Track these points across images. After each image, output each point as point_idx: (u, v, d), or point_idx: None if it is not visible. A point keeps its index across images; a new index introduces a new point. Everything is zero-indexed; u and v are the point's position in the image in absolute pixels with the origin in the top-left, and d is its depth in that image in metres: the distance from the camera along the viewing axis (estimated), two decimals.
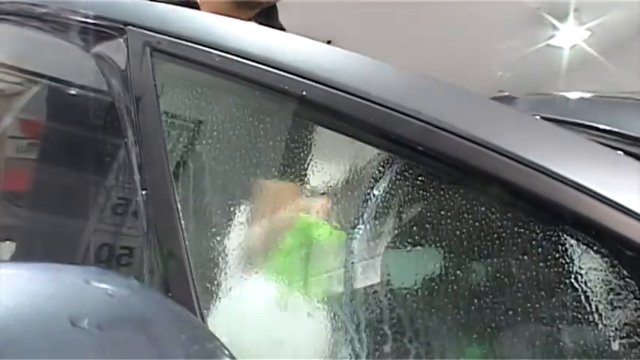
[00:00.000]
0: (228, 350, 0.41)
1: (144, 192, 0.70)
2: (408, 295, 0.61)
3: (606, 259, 0.56)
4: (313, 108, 0.66)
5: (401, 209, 0.64)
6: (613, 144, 0.84)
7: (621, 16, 4.82)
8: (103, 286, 0.41)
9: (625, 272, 0.56)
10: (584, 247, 0.56)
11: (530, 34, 5.09)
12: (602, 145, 0.64)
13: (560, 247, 0.58)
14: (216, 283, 0.65)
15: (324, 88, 0.65)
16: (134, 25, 0.84)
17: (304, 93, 0.66)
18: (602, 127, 0.93)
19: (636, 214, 0.54)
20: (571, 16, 4.87)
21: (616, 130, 0.90)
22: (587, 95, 1.23)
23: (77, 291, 0.40)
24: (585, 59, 5.25)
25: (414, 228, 0.64)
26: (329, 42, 4.90)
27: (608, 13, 4.78)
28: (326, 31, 4.71)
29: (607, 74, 4.94)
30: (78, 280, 0.41)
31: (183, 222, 0.67)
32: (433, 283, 0.60)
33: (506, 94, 1.38)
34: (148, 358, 0.37)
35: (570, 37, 5.10)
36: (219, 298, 0.64)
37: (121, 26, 0.85)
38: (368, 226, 0.64)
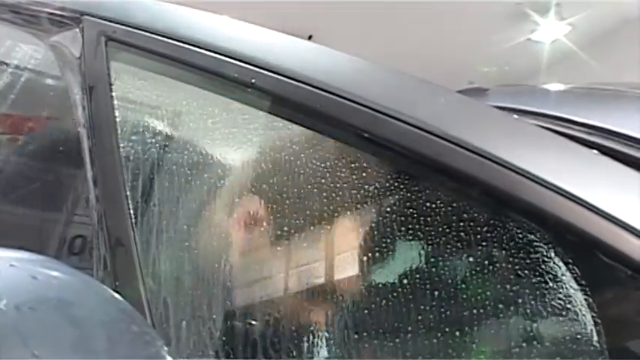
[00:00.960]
0: (156, 333, 0.41)
1: (94, 181, 0.69)
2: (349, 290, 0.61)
3: (549, 244, 0.56)
4: (263, 95, 0.66)
5: (351, 198, 0.64)
6: (578, 134, 0.84)
7: (602, 11, 4.84)
8: (29, 268, 0.41)
9: (567, 258, 0.56)
10: (527, 233, 0.56)
11: (511, 29, 5.10)
12: (558, 133, 0.64)
13: (503, 233, 0.58)
14: (164, 272, 0.64)
15: (274, 75, 0.65)
16: (90, 15, 0.83)
17: (253, 81, 0.66)
18: (565, 116, 0.93)
19: (578, 198, 0.54)
20: (552, 11, 4.88)
21: (580, 120, 0.90)
22: (559, 87, 1.23)
23: None
24: (566, 54, 5.28)
25: (364, 218, 0.63)
26: (310, 37, 4.90)
27: (589, 8, 4.80)
28: (307, 25, 4.70)
29: (588, 69, 4.96)
30: (2, 263, 0.40)
31: (132, 211, 0.66)
32: (373, 275, 0.60)
33: (477, 85, 1.38)
34: (66, 339, 0.36)
35: (551, 31, 5.12)
36: (167, 287, 0.63)
37: (77, 16, 0.85)
38: (314, 216, 0.64)
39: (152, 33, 0.77)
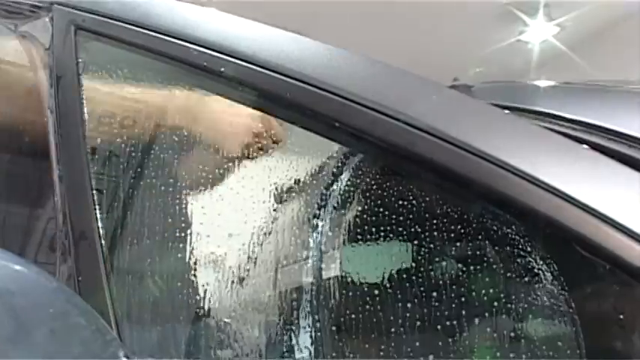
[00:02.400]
0: (104, 325, 0.39)
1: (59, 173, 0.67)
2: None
3: (526, 238, 0.54)
4: (231, 84, 0.64)
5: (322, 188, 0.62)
6: (563, 130, 0.82)
7: (591, 11, 4.85)
8: None
9: (544, 252, 0.54)
10: (504, 226, 0.55)
11: (500, 30, 5.09)
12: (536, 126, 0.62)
13: (482, 226, 0.56)
14: (128, 265, 0.62)
15: (242, 63, 0.63)
16: (60, 4, 0.81)
17: (222, 69, 0.64)
18: (549, 111, 0.91)
19: (557, 190, 0.52)
20: (541, 12, 4.88)
21: (562, 114, 0.88)
22: (544, 84, 1.22)
23: None
24: (555, 54, 5.28)
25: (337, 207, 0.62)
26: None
27: (577, 9, 4.80)
28: (293, 24, 4.67)
29: (577, 69, 4.97)
30: None
31: (97, 204, 0.64)
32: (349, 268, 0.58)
33: (461, 82, 1.36)
34: (3, 330, 0.34)
35: (540, 32, 5.12)
36: (131, 281, 0.61)
37: (48, 4, 0.82)
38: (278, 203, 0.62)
39: (122, 22, 0.74)
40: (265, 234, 0.62)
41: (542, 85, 1.21)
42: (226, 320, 0.60)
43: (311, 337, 0.59)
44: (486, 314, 0.54)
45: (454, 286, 0.55)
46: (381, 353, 0.55)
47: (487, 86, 1.49)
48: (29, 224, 0.74)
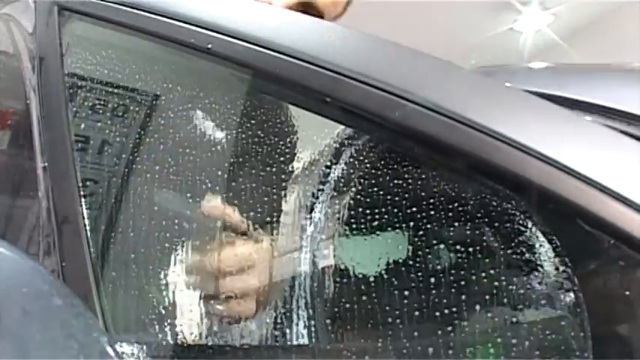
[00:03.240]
0: (84, 306, 0.36)
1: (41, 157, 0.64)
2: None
3: (527, 213, 0.52)
4: (219, 61, 0.61)
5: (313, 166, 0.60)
6: None
7: (585, 1, 4.83)
8: None
9: (546, 228, 0.52)
10: (503, 200, 0.52)
11: (493, 18, 5.07)
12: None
13: (480, 201, 0.54)
14: (113, 251, 0.60)
15: (230, 40, 0.60)
16: None
17: (209, 46, 0.61)
18: (545, 92, 0.89)
19: (558, 163, 0.50)
20: (535, 1, 4.86)
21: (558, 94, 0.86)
22: (538, 65, 1.20)
23: None
24: (549, 44, 5.26)
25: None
26: None
27: None
28: None
29: (571, 59, 4.95)
30: None
31: (81, 188, 0.62)
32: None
33: None
34: None
35: (534, 21, 5.09)
36: (116, 267, 0.59)
37: None
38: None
39: (107, 0, 0.72)
40: (273, 217, 0.60)
41: (537, 67, 1.19)
42: (219, 306, 0.57)
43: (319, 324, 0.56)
44: (487, 296, 0.52)
45: (460, 267, 0.53)
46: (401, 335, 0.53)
47: (481, 71, 1.46)
48: (12, 212, 0.71)
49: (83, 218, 0.60)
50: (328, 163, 0.61)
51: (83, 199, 0.61)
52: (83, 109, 0.69)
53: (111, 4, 0.71)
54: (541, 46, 5.31)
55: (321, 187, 0.62)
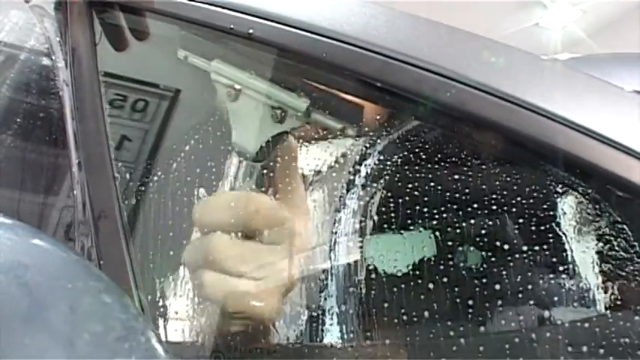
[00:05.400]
0: (130, 303, 0.34)
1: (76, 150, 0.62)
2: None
3: (595, 201, 0.49)
4: (261, 46, 0.58)
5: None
6: None
7: None
8: None
9: (615, 216, 0.48)
10: (569, 188, 0.49)
11: (519, 14, 5.00)
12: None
13: (544, 189, 0.50)
14: (152, 247, 0.57)
15: (272, 24, 0.57)
16: None
17: (251, 31, 0.58)
18: None
19: (628, 148, 0.46)
20: None
21: None
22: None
23: None
24: (576, 40, 5.18)
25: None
26: None
27: None
28: None
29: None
30: None
31: (118, 182, 0.59)
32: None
33: None
34: (14, 303, 0.29)
35: (561, 17, 5.02)
36: (156, 261, 0.56)
37: None
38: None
39: None
40: (321, 207, 0.57)
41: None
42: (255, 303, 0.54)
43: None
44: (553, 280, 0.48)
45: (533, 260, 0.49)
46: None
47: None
48: (46, 209, 0.69)
49: (120, 213, 0.57)
50: (370, 153, 0.58)
51: (120, 193, 0.58)
52: (118, 101, 0.67)
53: None
54: (568, 42, 5.24)
55: (361, 180, 0.59)
